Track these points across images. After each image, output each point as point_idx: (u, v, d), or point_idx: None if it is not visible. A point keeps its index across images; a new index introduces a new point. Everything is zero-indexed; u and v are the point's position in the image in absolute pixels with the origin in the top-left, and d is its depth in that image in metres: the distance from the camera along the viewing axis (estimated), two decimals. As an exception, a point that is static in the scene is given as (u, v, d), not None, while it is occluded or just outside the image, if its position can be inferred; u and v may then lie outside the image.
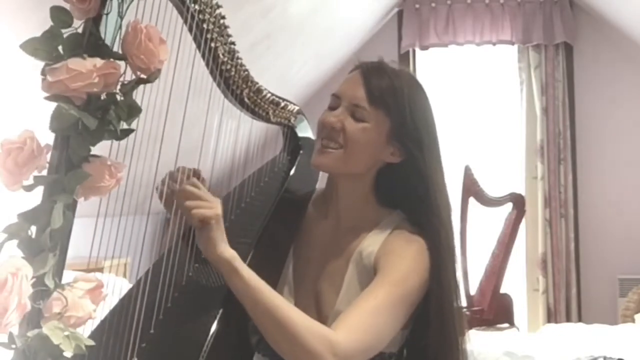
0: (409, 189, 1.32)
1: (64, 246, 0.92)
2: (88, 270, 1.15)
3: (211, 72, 1.30)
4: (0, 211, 1.45)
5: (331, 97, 1.35)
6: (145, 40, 0.96)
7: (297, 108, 1.63)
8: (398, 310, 1.22)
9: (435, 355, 1.29)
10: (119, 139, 0.97)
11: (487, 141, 5.14)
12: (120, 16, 0.96)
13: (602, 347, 3.29)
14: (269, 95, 1.46)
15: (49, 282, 0.89)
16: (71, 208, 0.92)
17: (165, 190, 1.31)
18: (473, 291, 4.57)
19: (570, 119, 5.01)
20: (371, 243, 1.31)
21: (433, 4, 5.07)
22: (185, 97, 1.23)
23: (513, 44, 5.02)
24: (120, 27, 0.96)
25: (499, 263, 4.55)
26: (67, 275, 0.94)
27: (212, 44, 1.25)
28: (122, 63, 0.96)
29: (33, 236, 0.90)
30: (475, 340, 3.40)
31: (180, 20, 1.19)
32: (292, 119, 1.63)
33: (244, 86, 1.37)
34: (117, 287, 1.32)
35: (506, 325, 4.53)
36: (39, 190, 0.92)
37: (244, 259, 1.18)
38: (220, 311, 1.20)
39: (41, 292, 0.88)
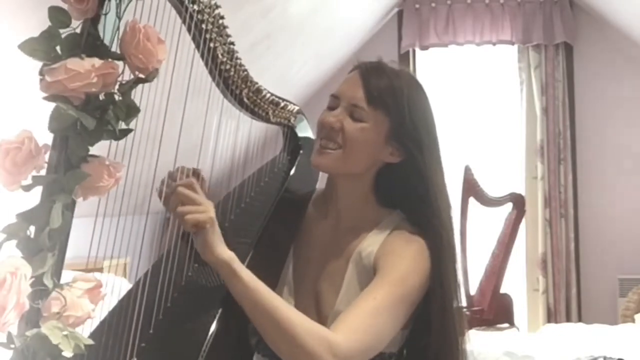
0: (409, 189, 1.32)
1: (62, 246, 0.92)
2: (87, 270, 1.15)
3: (210, 72, 1.30)
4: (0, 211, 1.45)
5: (330, 97, 1.35)
6: (144, 40, 0.96)
7: (296, 108, 1.63)
8: (398, 310, 1.22)
9: (436, 356, 1.29)
10: (117, 139, 0.97)
11: (487, 141, 5.14)
12: (119, 16, 0.96)
13: (602, 347, 3.29)
14: (268, 95, 1.46)
15: (48, 282, 0.89)
16: (70, 208, 0.92)
17: (165, 190, 1.31)
18: (473, 291, 4.57)
19: (570, 119, 5.01)
20: (371, 243, 1.31)
21: (433, 4, 5.07)
22: (184, 97, 1.23)
23: (513, 44, 5.02)
24: (118, 28, 0.96)
25: (499, 263, 4.55)
26: (67, 275, 0.94)
27: (211, 44, 1.24)
28: (120, 63, 0.97)
29: (32, 236, 0.90)
30: (475, 340, 3.40)
31: (179, 21, 1.19)
32: (292, 119, 1.63)
33: (243, 86, 1.37)
34: (116, 287, 1.32)
35: (506, 325, 4.53)
36: (38, 190, 0.92)
37: (243, 259, 1.18)
38: (220, 311, 1.20)
39: (40, 291, 0.89)
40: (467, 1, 5.04)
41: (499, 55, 5.14)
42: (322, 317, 1.27)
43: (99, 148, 0.97)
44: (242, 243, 1.30)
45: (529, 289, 4.99)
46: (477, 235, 4.68)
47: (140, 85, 0.99)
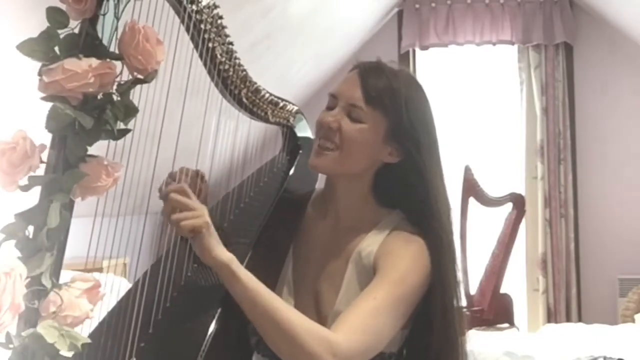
0: (408, 189, 1.32)
1: (61, 246, 0.93)
2: (87, 270, 1.15)
3: (209, 72, 1.30)
4: (-1, 211, 1.45)
5: (329, 96, 1.35)
6: (143, 40, 0.96)
7: (295, 108, 1.63)
8: (397, 310, 1.22)
9: (437, 356, 1.29)
10: (115, 138, 0.97)
11: (487, 141, 5.14)
12: (117, 17, 0.96)
13: (602, 347, 3.29)
14: (267, 95, 1.46)
15: (46, 282, 0.89)
16: (68, 208, 0.93)
17: (164, 190, 1.32)
18: (473, 291, 4.57)
19: (570, 119, 5.01)
20: (370, 243, 1.31)
21: (433, 4, 5.07)
22: (183, 97, 1.23)
23: (513, 44, 5.01)
24: (116, 28, 0.96)
25: (499, 263, 4.55)
26: (66, 275, 0.94)
27: (210, 44, 1.24)
28: (119, 63, 0.97)
29: (30, 236, 0.91)
30: (475, 340, 3.41)
31: (178, 21, 1.19)
32: (291, 119, 1.63)
33: (242, 86, 1.37)
34: (116, 287, 1.33)
35: (506, 325, 4.53)
36: (37, 190, 0.92)
37: (242, 259, 1.18)
38: (219, 311, 1.20)
39: (38, 291, 0.89)
40: (467, 1, 5.04)
41: (499, 55, 5.14)
42: (322, 317, 1.27)
43: (98, 148, 0.97)
44: (241, 243, 1.30)
45: (529, 289, 4.98)
46: (477, 235, 4.68)
47: (138, 85, 0.99)
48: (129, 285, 1.36)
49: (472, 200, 4.59)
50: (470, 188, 4.57)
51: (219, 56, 1.27)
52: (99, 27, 0.95)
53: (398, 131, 1.30)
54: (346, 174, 1.33)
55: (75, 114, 0.90)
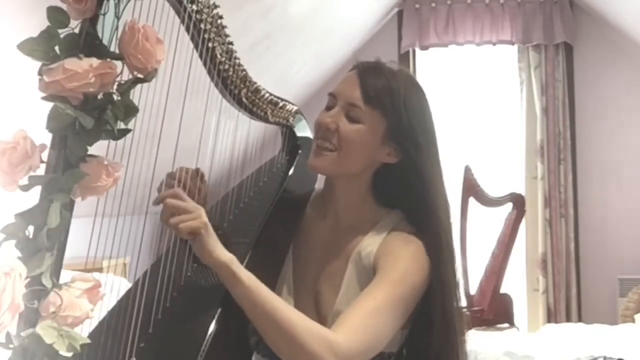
0: (407, 189, 1.32)
1: (61, 246, 0.92)
2: (87, 270, 1.15)
3: (209, 72, 1.30)
4: (-1, 211, 1.46)
5: (328, 96, 1.35)
6: (143, 40, 0.96)
7: (295, 108, 1.63)
8: (397, 310, 1.22)
9: (437, 356, 1.29)
10: (116, 138, 0.97)
11: (487, 141, 5.14)
12: (117, 16, 0.96)
13: (602, 347, 3.30)
14: (267, 95, 1.46)
15: (46, 282, 0.89)
16: (68, 207, 0.93)
17: (164, 189, 1.31)
18: (473, 291, 4.57)
19: (570, 119, 5.01)
20: (370, 243, 1.31)
21: (433, 4, 5.07)
22: (183, 97, 1.23)
23: (513, 44, 5.01)
24: (117, 28, 0.96)
25: (499, 263, 4.55)
26: (66, 275, 0.94)
27: (210, 44, 1.25)
28: (119, 63, 0.97)
29: (30, 236, 0.90)
30: (475, 340, 3.41)
31: (178, 20, 1.19)
32: (291, 119, 1.63)
33: (242, 86, 1.37)
34: (116, 287, 1.33)
35: (506, 325, 4.53)
36: (37, 190, 0.92)
37: (242, 259, 1.18)
38: (219, 311, 1.20)
39: (38, 291, 0.89)
40: (467, 1, 5.04)
41: (499, 55, 5.14)
42: (322, 317, 1.27)
43: (98, 148, 0.97)
44: (240, 243, 1.30)
45: (529, 289, 4.98)
46: (477, 235, 4.68)
47: (138, 85, 0.99)
48: (129, 285, 1.36)
49: (472, 200, 4.59)
50: (470, 188, 4.57)
51: (218, 56, 1.27)
52: (99, 27, 0.95)
53: (397, 131, 1.30)
54: (345, 174, 1.33)
55: (76, 113, 0.90)
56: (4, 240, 0.89)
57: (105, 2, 0.95)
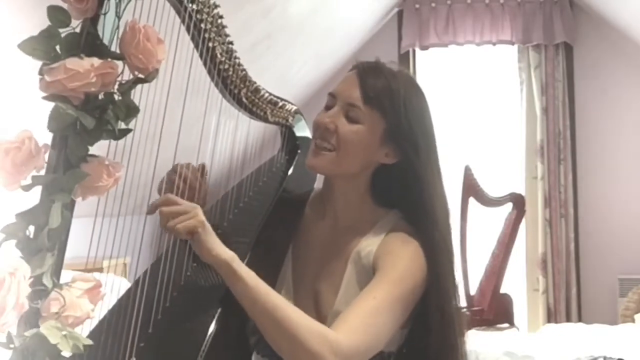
0: (405, 189, 1.32)
1: (62, 246, 0.92)
2: (87, 270, 1.15)
3: (209, 72, 1.30)
4: (-1, 211, 1.46)
5: (328, 95, 1.35)
6: (144, 40, 0.96)
7: (294, 108, 1.63)
8: (397, 310, 1.22)
9: (437, 356, 1.29)
10: (117, 138, 0.97)
11: (487, 141, 5.14)
12: (118, 16, 0.96)
13: (602, 347, 3.30)
14: (266, 94, 1.46)
15: (47, 282, 0.89)
16: (69, 208, 0.93)
17: (164, 187, 1.32)
18: (473, 291, 4.58)
19: (570, 119, 5.01)
20: (369, 243, 1.31)
21: (433, 4, 5.07)
22: (183, 97, 1.23)
23: (513, 44, 5.02)
24: (117, 27, 0.96)
25: (499, 263, 4.55)
26: (66, 275, 0.94)
27: (210, 44, 1.25)
28: (120, 63, 0.97)
29: (31, 236, 0.91)
30: (475, 340, 3.41)
31: (178, 20, 1.19)
32: (290, 119, 1.63)
33: (242, 86, 1.37)
34: (116, 287, 1.32)
35: (506, 325, 4.53)
36: (38, 190, 0.92)
37: (242, 259, 1.18)
38: (219, 311, 1.20)
39: (39, 291, 0.89)
40: (467, 1, 5.04)
41: (499, 55, 5.14)
42: (322, 317, 1.27)
43: (98, 148, 0.97)
44: (240, 243, 1.30)
45: (529, 289, 4.98)
46: (477, 235, 4.69)
47: (139, 85, 0.99)
48: (129, 285, 1.36)
49: (472, 200, 4.60)
50: (470, 188, 4.57)
51: (218, 56, 1.28)
52: (100, 27, 0.95)
53: (396, 132, 1.30)
54: (343, 174, 1.33)
55: (77, 113, 0.90)
56: (5, 240, 0.89)
57: (106, 1, 0.95)
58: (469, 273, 4.52)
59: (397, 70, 1.35)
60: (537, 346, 3.45)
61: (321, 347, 1.11)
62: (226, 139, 1.57)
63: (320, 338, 1.12)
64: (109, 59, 0.94)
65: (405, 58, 5.10)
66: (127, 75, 0.98)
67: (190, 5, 1.18)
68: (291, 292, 1.34)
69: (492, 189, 4.63)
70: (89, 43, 0.94)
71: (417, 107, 1.33)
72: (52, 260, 0.90)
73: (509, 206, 4.66)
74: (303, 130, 1.69)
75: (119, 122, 0.97)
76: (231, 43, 1.30)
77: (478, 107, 5.15)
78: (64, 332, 0.86)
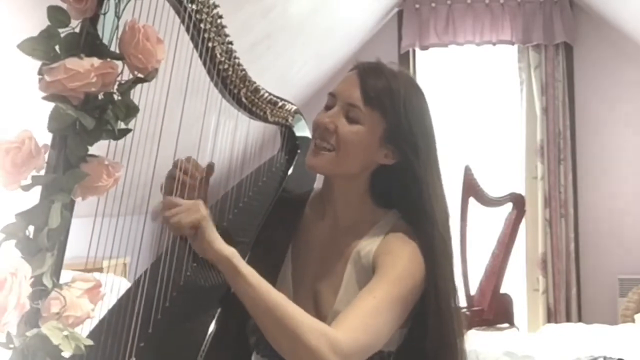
0: (404, 190, 1.32)
1: (61, 246, 0.93)
2: (87, 270, 1.15)
3: (208, 72, 1.30)
4: (-1, 211, 1.46)
5: (328, 95, 1.35)
6: (143, 39, 0.96)
7: (294, 107, 1.63)
8: (396, 309, 1.22)
9: (436, 356, 1.29)
10: (116, 138, 0.97)
11: (487, 141, 5.14)
12: (118, 16, 0.96)
13: (602, 347, 3.30)
14: (266, 94, 1.46)
15: (47, 282, 0.89)
16: (69, 208, 0.93)
17: (165, 183, 1.32)
18: (473, 291, 4.57)
19: (570, 119, 5.01)
20: (369, 243, 1.31)
21: (433, 4, 5.07)
22: (182, 97, 1.23)
23: (513, 44, 5.02)
24: (117, 27, 0.96)
25: (499, 263, 4.55)
26: (66, 275, 0.94)
27: (210, 44, 1.25)
28: (119, 63, 0.97)
29: (31, 236, 0.91)
30: (475, 340, 3.42)
31: (178, 20, 1.19)
32: (290, 119, 1.63)
33: (242, 86, 1.37)
34: (116, 287, 1.33)
35: (506, 325, 4.53)
36: (38, 190, 0.92)
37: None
38: (219, 311, 1.20)
39: (39, 291, 0.89)
40: (467, 1, 5.04)
41: (499, 55, 5.14)
42: (321, 316, 1.27)
43: (98, 148, 0.97)
44: (240, 242, 1.30)
45: (529, 289, 4.98)
46: (477, 235, 4.68)
47: (138, 85, 0.99)
48: (129, 285, 1.36)
49: (472, 200, 4.59)
50: (470, 188, 4.57)
51: (218, 56, 1.28)
52: (99, 27, 0.95)
53: (396, 133, 1.30)
54: (343, 174, 1.33)
55: (77, 114, 0.90)
56: (4, 240, 0.89)
57: (105, 1, 0.95)
58: (469, 273, 4.52)
59: (397, 71, 1.34)
60: (537, 346, 3.45)
61: (321, 345, 1.11)
62: (226, 139, 1.56)
63: (320, 336, 1.12)
64: (109, 59, 0.94)
65: (405, 58, 5.10)
66: (126, 75, 0.98)
67: (189, 5, 1.18)
68: (291, 292, 1.34)
69: (492, 189, 4.63)
70: (88, 43, 0.94)
71: (418, 108, 1.33)
72: (52, 260, 0.90)
73: (509, 206, 4.66)
74: (303, 130, 1.69)
75: (119, 122, 0.97)
76: (231, 43, 1.30)
77: (478, 107, 5.15)
78: (65, 333, 0.86)
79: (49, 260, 0.90)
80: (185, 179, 1.29)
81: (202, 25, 1.21)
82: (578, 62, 5.05)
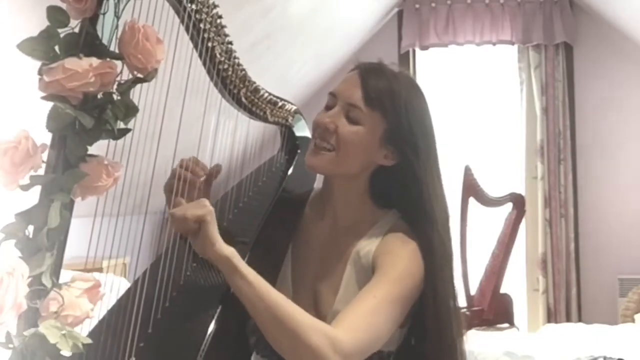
0: (404, 190, 1.32)
1: (61, 245, 0.93)
2: (87, 270, 1.15)
3: (208, 72, 1.30)
4: (-1, 211, 1.46)
5: (328, 95, 1.35)
6: (143, 39, 0.96)
7: (294, 107, 1.63)
8: (396, 309, 1.22)
9: (435, 356, 1.29)
10: (116, 138, 0.97)
11: (487, 141, 5.14)
12: (117, 16, 0.96)
13: (602, 347, 3.30)
14: (266, 94, 1.46)
15: (46, 282, 0.89)
16: (68, 207, 0.93)
17: (168, 182, 1.32)
18: (473, 291, 4.58)
19: (570, 119, 5.01)
20: (369, 243, 1.31)
21: (433, 4, 5.07)
22: (182, 97, 1.23)
23: (513, 44, 5.02)
24: (117, 27, 0.96)
25: (499, 263, 4.55)
26: (66, 275, 0.94)
27: (209, 44, 1.25)
28: (119, 62, 0.97)
29: (30, 236, 0.91)
30: (475, 340, 3.42)
31: (177, 20, 1.19)
32: (290, 119, 1.62)
33: (241, 86, 1.37)
34: (116, 287, 1.32)
35: (506, 325, 4.53)
36: (37, 189, 0.92)
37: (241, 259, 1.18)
38: (219, 310, 1.20)
39: (38, 291, 0.89)
40: (467, 1, 5.04)
41: (499, 55, 5.14)
42: (321, 316, 1.27)
43: (98, 147, 0.97)
44: (240, 242, 1.30)
45: (529, 289, 4.99)
46: (477, 235, 4.69)
47: (138, 85, 0.99)
48: (129, 285, 1.36)
49: (472, 200, 4.60)
50: (470, 188, 4.57)
51: (218, 56, 1.27)
52: (99, 27, 0.95)
53: (396, 134, 1.30)
54: (343, 174, 1.33)
55: (76, 113, 0.90)
56: (4, 240, 0.89)
57: (105, 1, 0.95)
58: (469, 273, 4.52)
59: (398, 72, 1.34)
60: (537, 346, 3.45)
61: (321, 344, 1.11)
62: (225, 139, 1.56)
63: (320, 335, 1.12)
64: (108, 59, 0.94)
65: (405, 58, 5.10)
66: (126, 75, 0.98)
67: (189, 5, 1.18)
68: (291, 292, 1.34)
69: (492, 189, 4.64)
70: (88, 43, 0.94)
71: (418, 109, 1.33)
72: (51, 260, 0.90)
73: (509, 206, 4.66)
74: (303, 130, 1.69)
75: (118, 121, 0.97)
76: (230, 43, 1.30)
77: (478, 107, 5.15)
78: (63, 332, 0.86)
79: (49, 260, 0.90)
80: (186, 176, 1.29)
81: (201, 25, 1.21)
82: (578, 62, 5.05)
